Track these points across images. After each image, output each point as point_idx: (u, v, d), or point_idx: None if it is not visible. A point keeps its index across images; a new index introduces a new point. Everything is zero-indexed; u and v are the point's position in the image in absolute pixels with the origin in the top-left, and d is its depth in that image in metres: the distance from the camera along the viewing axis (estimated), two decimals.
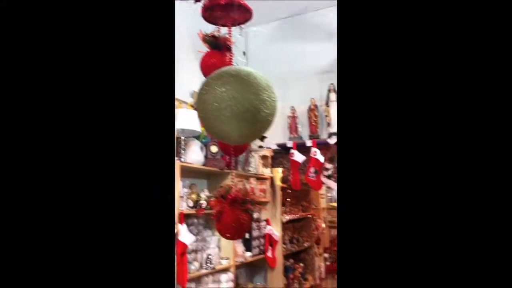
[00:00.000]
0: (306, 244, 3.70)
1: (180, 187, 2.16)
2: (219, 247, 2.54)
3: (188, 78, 2.34)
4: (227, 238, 1.23)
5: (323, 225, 4.37)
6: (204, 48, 1.24)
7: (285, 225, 3.48)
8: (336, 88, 2.89)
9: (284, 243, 3.33)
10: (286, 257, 3.36)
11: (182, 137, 2.20)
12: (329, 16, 2.92)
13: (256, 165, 2.92)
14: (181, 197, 2.18)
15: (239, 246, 2.73)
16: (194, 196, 2.30)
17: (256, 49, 3.28)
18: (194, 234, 2.18)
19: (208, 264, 2.33)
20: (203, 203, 2.28)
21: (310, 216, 3.81)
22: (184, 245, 2.02)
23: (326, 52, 2.91)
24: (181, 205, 2.16)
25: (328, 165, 2.83)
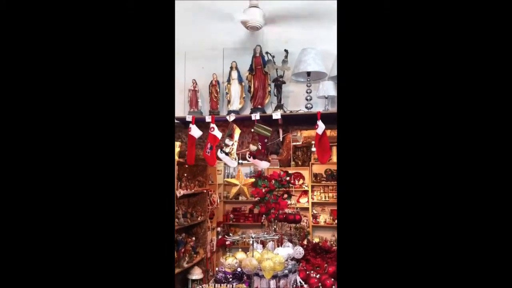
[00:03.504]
0: (199, 219, 3.75)
1: None
2: None
3: None
4: None
5: (218, 200, 4.48)
6: None
7: (179, 200, 3.46)
8: (237, 66, 2.92)
9: (176, 217, 3.31)
10: (178, 231, 3.36)
11: None
12: None
13: None
14: None
15: None
16: None
17: None
18: None
19: None
20: None
21: (205, 191, 3.86)
22: None
23: (231, 29, 2.91)
24: None
25: (228, 142, 2.87)
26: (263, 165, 2.74)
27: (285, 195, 3.09)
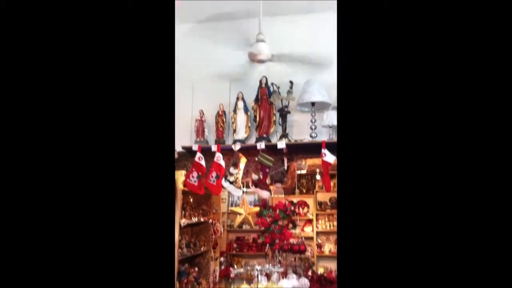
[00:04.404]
0: (203, 249, 3.70)
1: None
2: None
3: None
4: None
5: (222, 229, 4.43)
6: None
7: (183, 229, 3.42)
8: (243, 97, 2.99)
9: (180, 247, 3.26)
10: (182, 261, 3.31)
11: None
12: (245, 25, 3.02)
13: None
14: None
15: None
16: None
17: None
18: None
19: None
20: None
21: (209, 220, 3.83)
22: None
23: (238, 61, 3.00)
24: None
25: (233, 171, 2.89)
26: (263, 194, 2.74)
27: (290, 225, 3.06)
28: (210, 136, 3.06)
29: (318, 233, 5.46)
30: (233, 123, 2.98)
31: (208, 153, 2.85)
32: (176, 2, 1.47)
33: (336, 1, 1.21)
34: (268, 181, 2.93)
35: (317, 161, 2.90)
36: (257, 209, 3.04)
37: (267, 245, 3.27)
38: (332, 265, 5.23)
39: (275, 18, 2.98)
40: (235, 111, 2.98)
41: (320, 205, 5.57)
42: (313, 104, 2.79)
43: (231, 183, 2.78)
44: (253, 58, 2.60)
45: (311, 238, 5.38)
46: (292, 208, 3.12)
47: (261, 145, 2.75)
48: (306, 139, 2.81)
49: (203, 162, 2.79)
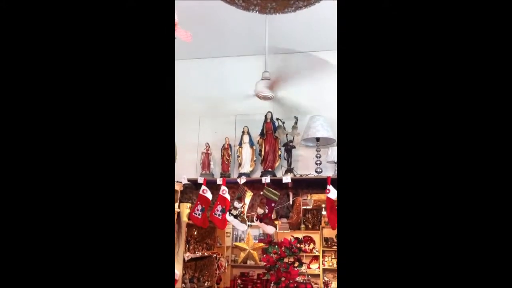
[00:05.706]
0: (206, 284, 3.60)
1: None
2: None
3: None
4: None
5: (226, 264, 4.33)
6: None
7: (187, 264, 3.36)
8: (249, 131, 3.04)
9: (183, 282, 3.19)
10: None
11: None
12: (252, 62, 3.13)
13: None
14: None
15: None
16: None
17: (178, 83, 3.31)
18: None
19: None
20: None
21: (213, 254, 3.76)
22: None
23: (245, 95, 3.09)
24: None
25: (237, 205, 2.88)
26: (268, 229, 2.70)
27: (296, 263, 2.99)
28: (216, 169, 3.09)
29: (324, 270, 5.29)
30: (238, 156, 3.01)
31: (213, 186, 2.86)
32: (186, 39, 1.53)
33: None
34: (273, 216, 2.91)
35: (323, 196, 2.89)
36: (261, 245, 2.99)
37: (272, 283, 3.17)
38: None
39: (281, 56, 3.10)
40: (240, 144, 3.02)
41: (327, 241, 5.44)
42: (317, 139, 2.82)
43: (235, 217, 2.76)
44: (259, 95, 2.68)
45: (318, 276, 5.21)
46: (298, 245, 3.06)
47: (267, 179, 2.75)
48: (311, 174, 2.82)
49: (208, 195, 2.80)
